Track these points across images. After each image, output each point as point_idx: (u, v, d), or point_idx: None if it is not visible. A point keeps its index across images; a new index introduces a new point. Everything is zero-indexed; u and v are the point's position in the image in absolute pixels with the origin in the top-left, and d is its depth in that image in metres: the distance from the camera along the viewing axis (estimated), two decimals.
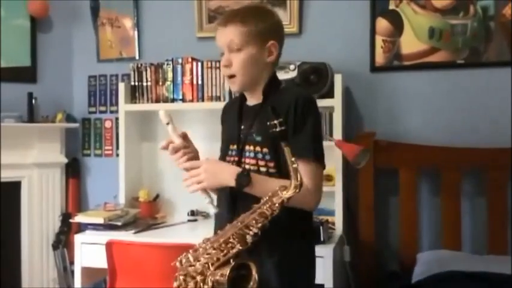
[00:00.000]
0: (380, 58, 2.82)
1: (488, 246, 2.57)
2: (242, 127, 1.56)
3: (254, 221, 1.38)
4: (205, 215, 2.91)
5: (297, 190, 1.33)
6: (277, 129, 1.32)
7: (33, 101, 3.08)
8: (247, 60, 1.52)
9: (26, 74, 3.20)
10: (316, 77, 2.62)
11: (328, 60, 2.67)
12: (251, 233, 1.37)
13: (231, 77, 1.54)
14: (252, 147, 1.51)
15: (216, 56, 2.81)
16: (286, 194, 1.35)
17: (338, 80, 2.64)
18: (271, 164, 1.49)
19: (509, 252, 2.53)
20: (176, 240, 2.37)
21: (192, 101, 2.88)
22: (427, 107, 2.77)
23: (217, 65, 2.86)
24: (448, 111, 2.74)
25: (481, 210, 2.62)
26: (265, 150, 1.50)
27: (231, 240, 1.38)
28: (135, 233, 2.62)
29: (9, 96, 3.04)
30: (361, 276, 2.66)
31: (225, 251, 1.38)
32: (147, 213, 2.93)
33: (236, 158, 1.54)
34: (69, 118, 3.26)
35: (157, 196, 3.03)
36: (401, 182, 2.68)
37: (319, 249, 2.30)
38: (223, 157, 1.60)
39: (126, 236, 2.53)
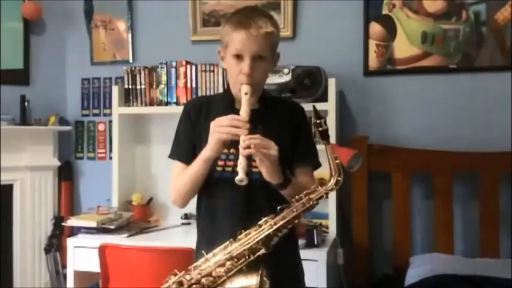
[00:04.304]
0: (373, 62, 2.83)
1: (480, 250, 2.59)
2: None
3: (287, 223, 1.37)
4: None
5: (338, 184, 1.37)
6: (321, 128, 1.37)
7: (26, 104, 3.07)
8: (267, 70, 1.53)
9: (19, 77, 3.19)
10: (310, 81, 2.63)
11: (321, 64, 2.69)
12: (279, 234, 1.37)
13: (248, 85, 1.47)
14: None
15: (210, 59, 2.85)
16: (325, 188, 1.38)
17: (332, 84, 2.65)
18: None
19: (501, 255, 2.54)
20: (169, 244, 2.37)
21: None
22: (420, 111, 2.79)
23: (211, 68, 2.86)
24: (441, 115, 2.76)
25: (473, 214, 2.64)
26: None
27: (253, 246, 1.36)
28: (128, 236, 2.61)
29: (1, 98, 3.02)
30: (355, 279, 2.66)
31: (242, 260, 1.35)
32: (140, 217, 2.92)
33: (236, 162, 1.45)
34: (62, 121, 3.25)
35: (150, 199, 3.03)
36: (394, 186, 2.69)
37: (312, 253, 2.32)
38: (215, 160, 1.49)
39: (119, 240, 2.53)
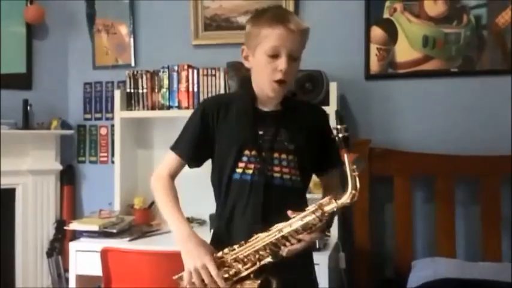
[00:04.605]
0: (375, 66, 2.84)
1: (482, 253, 2.58)
2: (261, 133, 1.48)
3: (295, 232, 1.34)
4: (201, 222, 2.91)
5: (354, 199, 1.34)
6: (341, 135, 1.34)
7: (29, 108, 3.08)
8: (297, 70, 1.50)
9: (22, 81, 3.20)
10: (311, 85, 2.64)
11: (323, 68, 2.69)
12: (288, 244, 1.33)
13: (282, 82, 1.44)
14: (284, 155, 1.47)
15: (212, 64, 2.86)
16: (341, 202, 1.34)
17: (333, 87, 2.65)
18: (298, 172, 1.49)
19: (503, 259, 2.54)
20: (171, 247, 2.36)
21: (187, 108, 2.88)
22: (421, 115, 2.79)
23: (213, 72, 2.87)
24: (442, 119, 2.76)
25: (475, 217, 2.63)
26: (295, 158, 1.48)
27: (261, 252, 1.34)
28: (130, 240, 2.61)
29: (4, 103, 3.03)
30: (357, 283, 2.66)
31: (249, 264, 1.35)
32: (142, 221, 2.92)
33: (258, 165, 1.45)
34: (64, 125, 3.26)
35: (152, 203, 3.02)
36: (396, 189, 2.69)
37: (314, 257, 2.30)
38: (233, 162, 1.47)
39: (121, 244, 2.52)
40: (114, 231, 2.65)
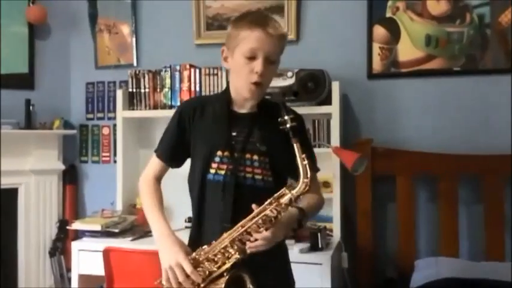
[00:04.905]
0: (377, 65, 2.83)
1: (486, 253, 2.57)
2: (234, 134, 1.52)
3: (256, 226, 1.37)
4: None
5: (306, 187, 1.37)
6: (289, 125, 1.38)
7: (31, 108, 3.08)
8: (274, 75, 1.54)
9: (24, 81, 3.20)
10: (313, 84, 2.63)
11: (325, 67, 2.69)
12: (252, 239, 1.37)
13: (258, 85, 1.47)
14: (256, 156, 1.50)
15: (214, 63, 2.86)
16: (295, 192, 1.37)
17: (335, 87, 2.65)
18: (269, 173, 1.51)
19: (506, 258, 2.53)
20: None
21: None
22: (424, 114, 2.78)
23: (215, 71, 2.87)
24: (445, 118, 2.75)
25: (478, 217, 2.62)
26: (266, 159, 1.51)
27: (228, 249, 1.38)
28: (133, 240, 2.61)
29: (6, 103, 3.04)
30: (359, 283, 2.66)
31: (220, 263, 1.38)
32: (144, 220, 2.85)
33: (230, 166, 1.49)
34: (67, 125, 3.26)
35: None
36: (399, 189, 2.69)
37: (317, 256, 2.31)
38: (206, 162, 1.51)
39: (124, 243, 2.53)
40: (117, 230, 2.65)
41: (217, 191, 1.49)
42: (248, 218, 1.38)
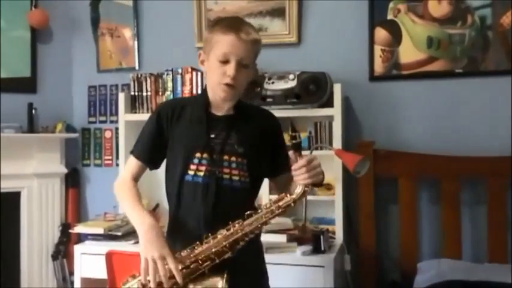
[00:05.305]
0: (379, 67, 2.83)
1: (489, 255, 2.57)
2: (212, 136, 1.54)
3: (254, 228, 1.43)
4: None
5: (305, 195, 1.43)
6: (296, 141, 1.44)
7: (33, 112, 3.09)
8: (249, 78, 1.58)
9: (26, 85, 3.21)
10: (315, 87, 2.63)
11: (327, 70, 2.69)
12: (246, 239, 1.42)
13: (230, 86, 1.51)
14: (233, 158, 1.54)
15: None
16: (295, 198, 1.43)
17: (337, 89, 2.65)
18: (246, 174, 1.55)
19: (509, 260, 2.52)
20: None
21: None
22: (426, 116, 2.78)
23: None
24: (447, 119, 2.74)
25: (481, 219, 2.62)
26: (244, 161, 1.54)
27: (220, 249, 1.41)
28: (135, 243, 2.60)
29: (9, 106, 3.05)
30: (362, 285, 2.65)
31: (208, 262, 1.41)
32: None
33: (209, 167, 1.52)
34: (69, 128, 3.27)
35: (157, 206, 3.03)
36: (401, 191, 2.68)
37: (319, 259, 2.31)
38: (185, 164, 1.53)
39: (126, 246, 2.53)
40: (119, 234, 2.65)
41: (196, 192, 1.52)
42: (247, 222, 1.42)
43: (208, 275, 1.41)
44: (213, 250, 1.40)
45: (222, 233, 1.42)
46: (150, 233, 1.43)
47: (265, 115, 1.68)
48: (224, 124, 1.56)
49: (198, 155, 1.52)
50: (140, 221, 1.48)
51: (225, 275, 1.39)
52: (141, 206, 1.55)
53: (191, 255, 1.42)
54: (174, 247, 1.46)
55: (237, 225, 1.42)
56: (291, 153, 1.49)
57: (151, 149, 1.61)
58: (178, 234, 1.55)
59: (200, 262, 1.41)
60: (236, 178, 1.53)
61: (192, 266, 1.40)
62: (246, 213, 1.44)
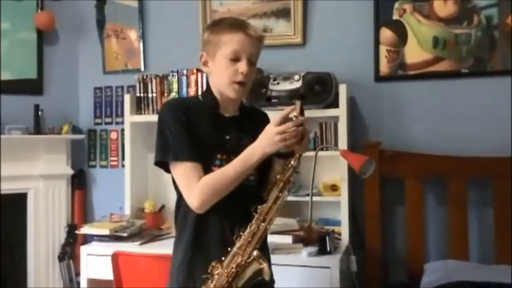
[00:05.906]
0: (384, 68, 2.82)
1: (496, 256, 2.55)
2: (227, 137, 1.55)
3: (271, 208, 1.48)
4: None
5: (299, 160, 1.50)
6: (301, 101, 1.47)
7: (40, 113, 3.11)
8: (254, 74, 1.60)
9: (33, 86, 3.23)
10: (320, 87, 2.63)
11: (332, 70, 2.68)
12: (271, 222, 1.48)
13: (242, 84, 1.52)
14: None
15: None
16: (293, 165, 1.48)
17: (343, 89, 2.64)
18: (256, 172, 1.58)
19: None
20: None
21: None
22: (431, 116, 2.77)
23: None
24: (453, 120, 2.73)
25: (488, 220, 2.60)
26: None
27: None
28: (141, 244, 2.61)
29: (15, 108, 3.07)
30: (368, 286, 2.64)
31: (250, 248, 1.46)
32: (152, 224, 2.92)
33: None
34: (75, 129, 3.28)
35: (162, 207, 3.03)
36: (407, 192, 2.67)
37: (325, 260, 2.31)
38: (207, 166, 1.50)
39: (132, 247, 2.53)
40: (125, 235, 2.66)
41: None
42: (271, 211, 1.47)
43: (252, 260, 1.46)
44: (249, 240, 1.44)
45: (247, 232, 1.45)
46: (255, 148, 1.46)
47: (261, 114, 1.74)
48: (233, 125, 1.58)
49: (219, 156, 1.53)
50: (250, 153, 1.47)
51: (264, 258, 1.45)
52: (231, 160, 1.50)
53: (233, 262, 1.45)
54: (193, 250, 1.50)
55: (262, 217, 1.46)
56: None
57: (194, 147, 1.50)
58: (204, 229, 1.53)
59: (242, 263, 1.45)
60: (252, 178, 1.56)
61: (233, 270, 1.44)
62: (252, 208, 1.47)
